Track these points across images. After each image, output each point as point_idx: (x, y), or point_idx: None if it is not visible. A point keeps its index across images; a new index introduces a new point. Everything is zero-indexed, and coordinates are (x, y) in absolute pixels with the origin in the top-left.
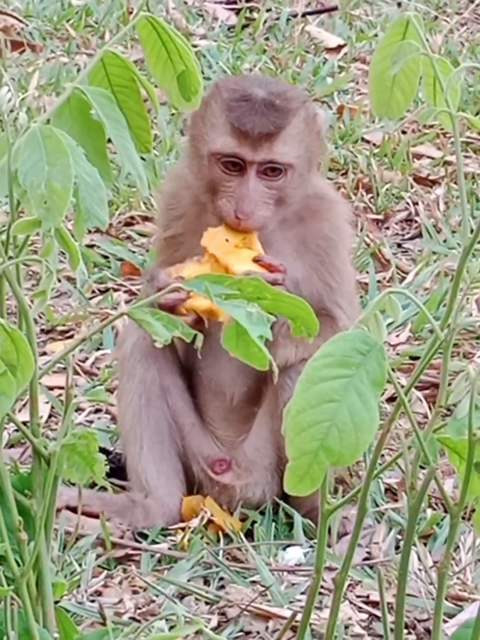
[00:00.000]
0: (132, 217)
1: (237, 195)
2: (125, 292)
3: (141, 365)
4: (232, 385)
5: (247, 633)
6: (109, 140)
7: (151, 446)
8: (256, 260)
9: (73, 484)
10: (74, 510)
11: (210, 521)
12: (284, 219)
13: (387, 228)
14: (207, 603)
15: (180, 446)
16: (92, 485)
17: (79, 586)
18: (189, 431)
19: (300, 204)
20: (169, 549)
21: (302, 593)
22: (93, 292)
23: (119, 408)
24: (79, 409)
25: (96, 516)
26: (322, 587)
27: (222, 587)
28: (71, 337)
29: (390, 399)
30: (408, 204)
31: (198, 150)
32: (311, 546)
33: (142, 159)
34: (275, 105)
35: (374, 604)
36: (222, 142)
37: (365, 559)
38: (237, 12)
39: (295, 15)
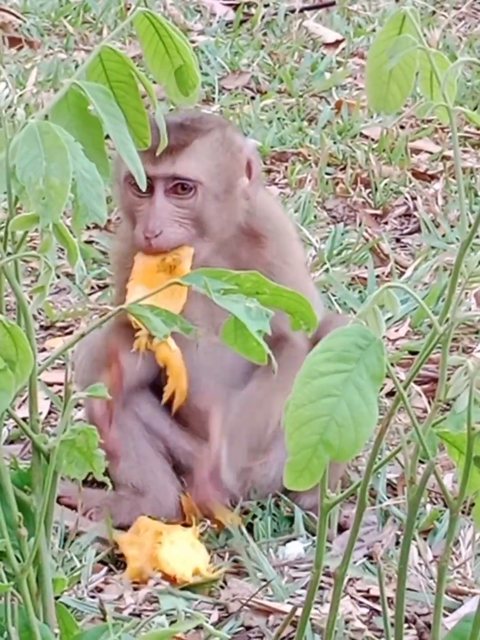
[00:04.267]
0: None
1: (146, 215)
2: None
3: (93, 381)
4: (217, 400)
5: (248, 628)
6: (107, 136)
7: (125, 454)
8: None
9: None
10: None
11: (210, 516)
12: (222, 247)
13: (386, 223)
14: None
15: (163, 447)
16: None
17: (79, 582)
18: (168, 433)
19: (236, 231)
20: None
21: (303, 588)
22: (92, 288)
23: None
24: (78, 405)
25: (74, 507)
26: (322, 581)
27: (223, 581)
28: (70, 333)
29: (390, 394)
30: (406, 198)
31: (118, 183)
32: (313, 542)
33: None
34: (183, 126)
35: (375, 599)
36: None
37: (366, 554)
38: (235, 7)
39: (293, 11)
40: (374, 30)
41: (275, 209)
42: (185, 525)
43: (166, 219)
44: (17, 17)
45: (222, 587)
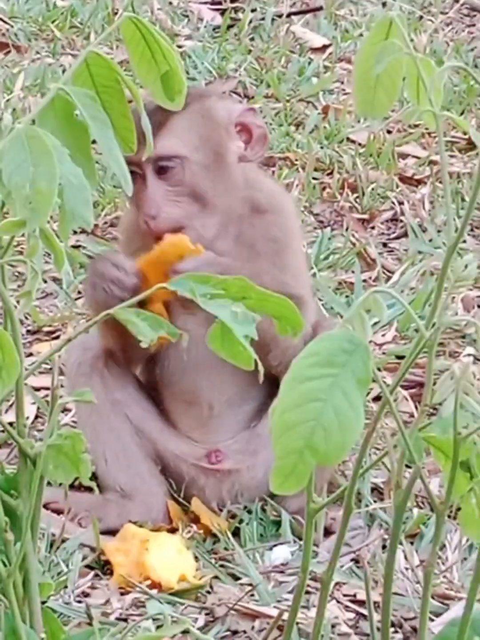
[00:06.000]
0: (117, 218)
1: (142, 200)
2: None
3: (84, 385)
4: (209, 395)
5: (234, 632)
6: (94, 141)
7: (114, 457)
8: None
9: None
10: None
11: (197, 520)
12: (227, 222)
13: (373, 228)
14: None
15: (152, 451)
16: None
17: (65, 587)
18: (158, 436)
19: (240, 203)
20: None
21: (289, 592)
22: (79, 292)
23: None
24: (65, 410)
25: (61, 512)
26: (309, 586)
27: (210, 586)
28: (57, 337)
29: (376, 398)
30: (393, 203)
31: None
32: (299, 546)
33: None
34: (161, 107)
35: (361, 603)
36: None
37: (353, 559)
38: (222, 12)
39: (280, 16)
40: (361, 35)
41: (276, 186)
42: (173, 529)
43: (160, 200)
44: (4, 22)
45: (208, 592)
